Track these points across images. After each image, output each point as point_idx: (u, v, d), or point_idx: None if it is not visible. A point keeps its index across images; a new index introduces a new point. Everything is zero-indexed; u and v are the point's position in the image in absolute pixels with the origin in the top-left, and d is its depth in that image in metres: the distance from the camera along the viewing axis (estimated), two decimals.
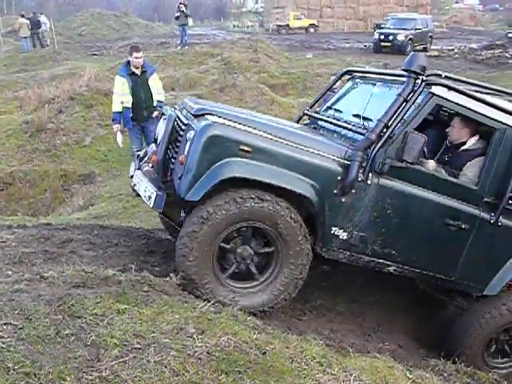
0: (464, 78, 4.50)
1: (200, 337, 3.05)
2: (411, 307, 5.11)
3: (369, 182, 3.94)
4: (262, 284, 3.97)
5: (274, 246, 3.91)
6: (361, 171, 3.90)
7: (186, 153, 3.74)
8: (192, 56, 20.28)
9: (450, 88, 4.05)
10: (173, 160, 4.06)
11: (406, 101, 3.98)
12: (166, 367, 2.64)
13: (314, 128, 5.04)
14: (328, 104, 5.35)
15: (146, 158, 4.56)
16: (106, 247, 4.77)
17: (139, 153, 4.83)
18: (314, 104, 5.61)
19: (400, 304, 5.11)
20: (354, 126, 4.43)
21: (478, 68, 19.84)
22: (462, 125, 4.47)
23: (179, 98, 12.19)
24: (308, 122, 5.43)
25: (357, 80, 5.27)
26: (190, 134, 3.77)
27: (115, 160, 10.45)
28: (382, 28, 25.64)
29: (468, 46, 26.69)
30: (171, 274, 3.84)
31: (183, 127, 4.05)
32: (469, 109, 4.12)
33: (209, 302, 3.56)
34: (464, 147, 4.46)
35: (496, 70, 19.40)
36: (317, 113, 5.33)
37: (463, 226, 4.19)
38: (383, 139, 3.92)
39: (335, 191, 3.89)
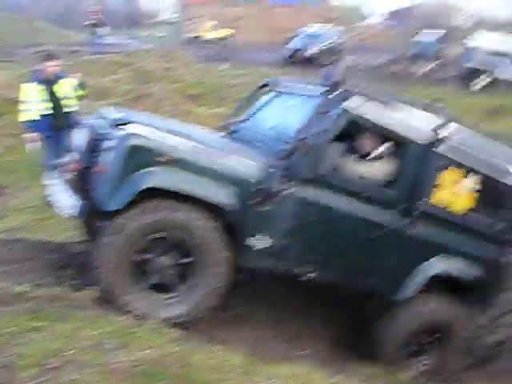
0: (376, 92, 4.69)
1: (121, 351, 3.00)
2: (331, 312, 5.24)
3: (286, 192, 4.03)
4: (181, 295, 3.93)
5: (192, 256, 3.89)
6: (279, 181, 3.99)
7: (105, 163, 3.73)
8: (105, 65, 19.82)
9: (362, 103, 4.23)
10: (92, 169, 3.98)
11: (321, 114, 4.14)
12: None
13: (234, 138, 5.09)
14: (247, 115, 5.42)
15: (64, 167, 4.43)
16: (19, 262, 4.57)
17: (56, 162, 4.70)
18: (234, 114, 5.66)
19: (320, 310, 5.22)
20: (271, 137, 4.54)
21: (385, 82, 20.67)
22: (368, 136, 4.61)
23: (92, 107, 11.89)
24: (227, 132, 5.47)
25: (275, 92, 5.37)
26: (110, 144, 3.75)
27: (26, 171, 10.02)
28: (295, 41, 26.27)
29: (375, 60, 27.79)
30: (88, 288, 3.74)
31: (102, 137, 3.99)
32: (378, 124, 4.30)
33: (129, 315, 3.51)
34: (370, 156, 4.58)
35: (401, 85, 20.29)
36: (235, 123, 5.39)
37: (378, 233, 4.33)
38: (300, 151, 4.03)
39: (254, 201, 3.96)
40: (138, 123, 3.92)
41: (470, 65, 20.22)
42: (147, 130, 3.83)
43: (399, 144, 4.43)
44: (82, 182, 4.03)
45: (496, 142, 5.24)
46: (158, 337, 3.33)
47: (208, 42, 33.80)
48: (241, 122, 5.39)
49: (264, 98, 5.47)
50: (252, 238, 4.04)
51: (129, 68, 18.78)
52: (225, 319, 4.60)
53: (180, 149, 3.81)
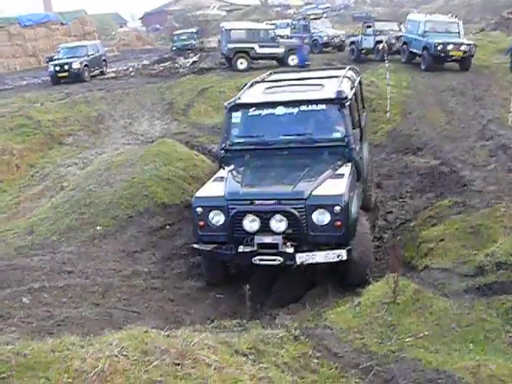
0: None
1: None
2: None
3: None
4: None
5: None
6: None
7: (337, 219, 5.58)
8: None
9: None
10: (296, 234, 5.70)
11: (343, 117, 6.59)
12: None
13: (232, 158, 6.74)
14: (237, 134, 6.79)
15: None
16: None
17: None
18: (224, 142, 6.77)
19: None
20: (300, 142, 6.57)
21: (155, 81, 21.12)
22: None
23: None
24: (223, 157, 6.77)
25: (244, 109, 6.79)
26: (332, 207, 5.57)
27: None
28: (56, 60, 25.49)
29: (141, 63, 28.21)
30: None
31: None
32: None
33: None
34: None
35: (171, 80, 20.95)
36: (232, 145, 6.75)
37: None
38: (351, 143, 6.55)
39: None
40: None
41: (231, 46, 22.05)
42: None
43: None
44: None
45: None
46: None
47: None
48: (232, 143, 6.78)
49: (235, 117, 6.81)
50: None
51: None
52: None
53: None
